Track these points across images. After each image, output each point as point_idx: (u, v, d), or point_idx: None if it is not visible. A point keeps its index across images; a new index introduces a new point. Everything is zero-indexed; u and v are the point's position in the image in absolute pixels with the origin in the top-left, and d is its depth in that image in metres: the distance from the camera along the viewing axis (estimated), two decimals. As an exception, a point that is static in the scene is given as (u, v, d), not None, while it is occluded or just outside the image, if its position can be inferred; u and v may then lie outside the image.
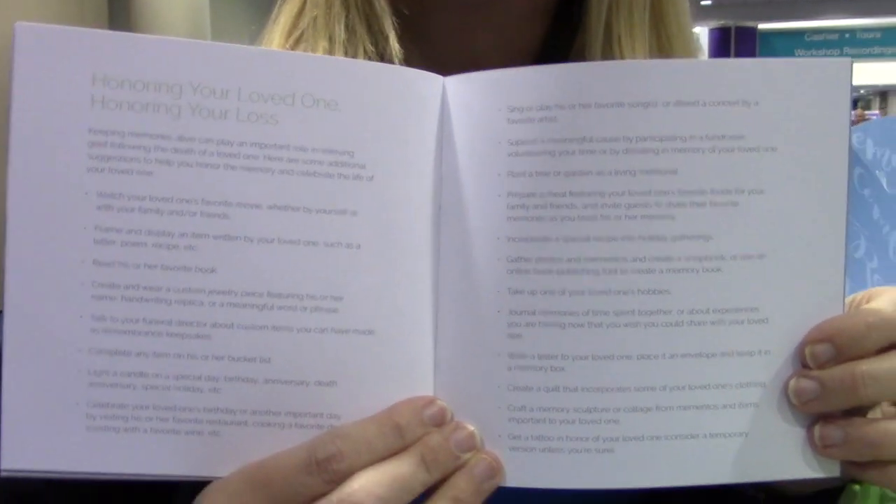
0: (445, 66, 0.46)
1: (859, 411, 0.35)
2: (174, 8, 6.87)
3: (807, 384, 0.35)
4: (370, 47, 0.47)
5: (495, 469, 0.34)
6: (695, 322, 0.34)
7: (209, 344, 0.34)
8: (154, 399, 0.34)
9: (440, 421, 0.34)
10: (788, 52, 16.52)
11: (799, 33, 16.42)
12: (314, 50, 0.47)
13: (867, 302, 0.37)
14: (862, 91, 30.81)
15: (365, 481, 0.32)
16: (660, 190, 0.34)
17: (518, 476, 0.34)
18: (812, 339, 0.35)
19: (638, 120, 0.33)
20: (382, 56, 0.47)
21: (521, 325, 0.34)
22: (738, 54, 15.79)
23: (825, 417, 0.35)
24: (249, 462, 0.34)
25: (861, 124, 0.61)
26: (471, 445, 0.34)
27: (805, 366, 0.35)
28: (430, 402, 0.35)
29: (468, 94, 0.35)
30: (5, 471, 0.33)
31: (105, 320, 0.33)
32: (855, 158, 0.51)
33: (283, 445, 0.34)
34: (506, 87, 0.34)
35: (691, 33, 0.53)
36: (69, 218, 0.33)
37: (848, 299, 0.38)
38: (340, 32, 0.47)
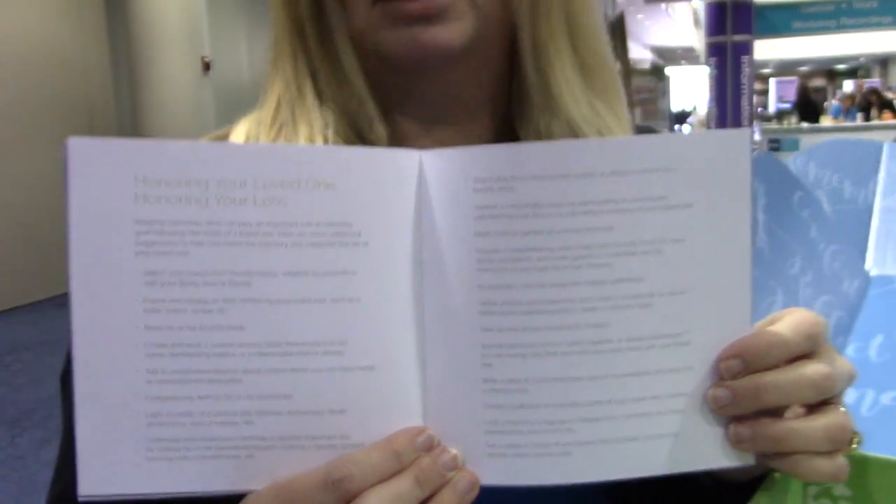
0: (420, 120, 0.53)
1: (773, 412, 0.42)
2: (171, 12, 6.89)
3: (722, 392, 0.43)
4: (349, 131, 0.54)
5: (473, 483, 0.42)
6: (631, 348, 0.42)
7: (241, 386, 0.42)
8: (199, 433, 0.42)
9: (429, 446, 0.42)
10: (785, 26, 16.46)
11: (795, 6, 16.36)
12: (296, 136, 0.54)
13: (772, 324, 0.44)
14: (862, 59, 30.64)
15: (371, 498, 0.40)
16: (600, 243, 0.41)
17: (496, 476, 0.43)
18: (725, 357, 0.43)
19: (580, 188, 0.41)
20: (360, 131, 0.54)
21: (492, 356, 0.42)
22: (735, 28, 15.74)
23: (738, 418, 0.43)
24: (278, 479, 0.42)
25: (806, 149, 0.67)
26: (454, 465, 0.42)
27: (721, 378, 0.43)
28: (421, 431, 0.43)
29: (441, 166, 0.43)
30: (83, 496, 0.41)
31: (157, 373, 0.41)
32: (795, 181, 0.58)
33: (304, 464, 0.42)
34: (472, 161, 0.42)
35: (606, 49, 0.59)
36: (123, 293, 0.41)
37: (767, 318, 0.45)
38: (318, 118, 0.54)
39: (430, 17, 0.51)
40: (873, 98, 12.72)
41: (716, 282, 0.42)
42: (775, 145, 11.15)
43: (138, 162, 0.41)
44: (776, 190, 0.54)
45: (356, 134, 0.55)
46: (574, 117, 0.55)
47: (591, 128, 0.55)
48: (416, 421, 0.43)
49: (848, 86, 23.80)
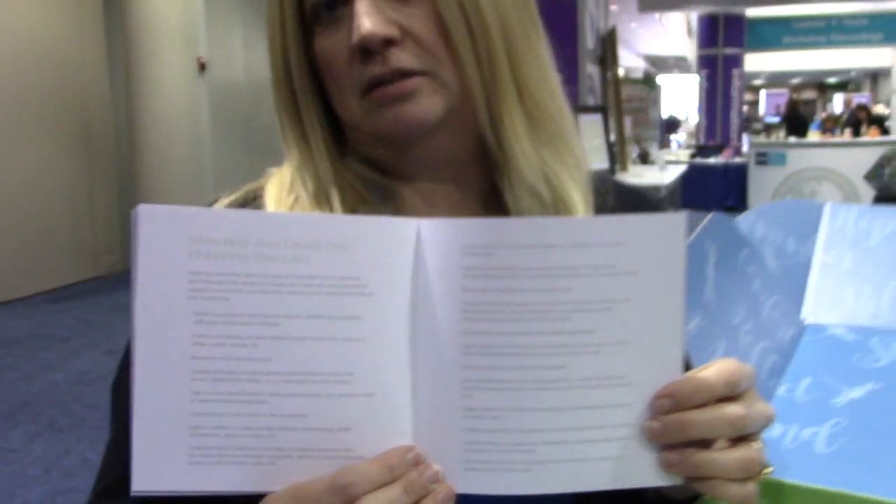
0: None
1: (701, 443, 0.51)
2: (168, 13, 6.94)
3: (655, 425, 0.52)
4: (355, 198, 0.66)
5: (450, 495, 0.52)
6: (584, 386, 0.52)
7: (267, 406, 0.51)
8: (232, 443, 0.51)
9: (417, 462, 0.52)
10: (776, 40, 16.63)
11: (785, 21, 16.51)
12: (309, 203, 0.65)
13: (703, 370, 0.53)
14: (852, 73, 30.82)
15: (369, 501, 0.50)
16: (561, 301, 0.51)
17: (472, 486, 0.52)
18: (659, 396, 0.52)
19: (547, 256, 0.50)
20: (367, 198, 0.65)
21: (472, 389, 0.52)
22: (727, 41, 15.88)
23: (669, 446, 0.53)
24: (293, 483, 0.51)
25: (755, 208, 0.76)
26: (436, 479, 0.52)
27: (655, 413, 0.52)
28: (411, 449, 0.52)
29: (436, 233, 0.52)
30: (135, 492, 0.51)
31: (200, 394, 0.51)
32: (743, 239, 0.66)
33: (315, 472, 0.52)
34: (461, 231, 0.52)
35: (555, 102, 0.69)
36: (176, 329, 0.51)
37: (704, 365, 0.54)
38: (335, 203, 0.65)
39: (404, 98, 0.62)
40: (862, 114, 12.84)
41: (653, 334, 0.52)
42: (763, 158, 11.28)
43: (193, 225, 0.50)
44: (726, 248, 0.62)
45: (363, 201, 0.65)
46: (521, 168, 0.65)
47: (538, 176, 0.65)
48: (406, 440, 0.53)
49: (838, 99, 23.93)
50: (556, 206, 0.65)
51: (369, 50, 0.61)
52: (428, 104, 0.63)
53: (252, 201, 0.69)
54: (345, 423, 0.52)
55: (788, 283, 0.71)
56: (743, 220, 0.74)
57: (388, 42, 0.61)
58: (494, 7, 0.64)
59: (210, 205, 0.70)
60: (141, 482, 0.51)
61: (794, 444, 0.57)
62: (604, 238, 0.51)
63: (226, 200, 0.70)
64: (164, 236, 0.50)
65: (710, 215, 0.62)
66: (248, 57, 9.15)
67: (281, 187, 0.67)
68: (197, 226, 0.50)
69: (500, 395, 0.51)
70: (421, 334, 0.52)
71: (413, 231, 0.52)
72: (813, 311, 0.69)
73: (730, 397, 0.52)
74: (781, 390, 0.62)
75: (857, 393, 0.60)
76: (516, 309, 0.51)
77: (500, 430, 0.52)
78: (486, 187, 0.69)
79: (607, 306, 0.51)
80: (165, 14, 6.89)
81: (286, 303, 0.51)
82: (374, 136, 0.66)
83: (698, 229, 0.60)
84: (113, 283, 7.22)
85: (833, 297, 0.69)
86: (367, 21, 0.60)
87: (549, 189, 0.65)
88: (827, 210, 0.75)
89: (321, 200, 0.65)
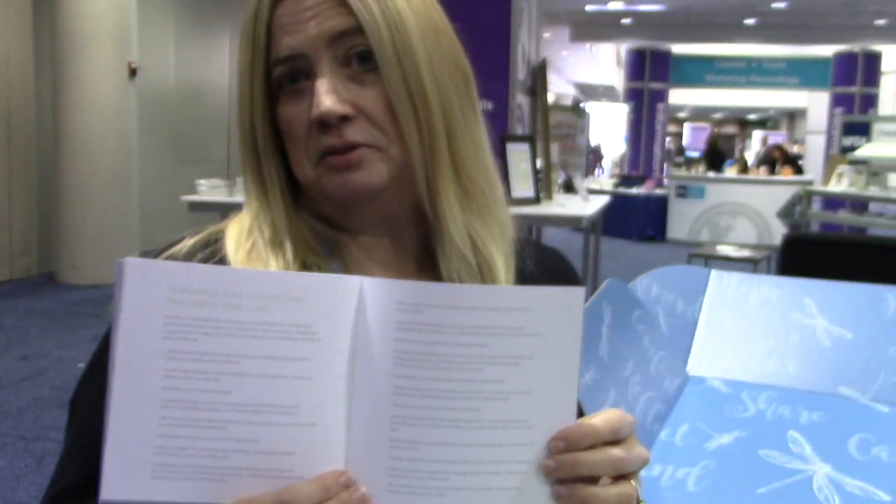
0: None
1: (590, 480, 0.60)
2: (100, 15, 6.85)
3: (550, 463, 0.62)
4: (306, 248, 0.74)
5: None
6: (493, 427, 0.61)
7: (224, 432, 0.59)
8: (191, 462, 0.59)
9: (348, 485, 0.60)
10: (699, 77, 17.20)
11: (709, 60, 17.12)
12: (269, 263, 0.73)
13: (593, 418, 0.62)
14: (771, 112, 31.99)
15: None
16: (476, 354, 0.60)
17: None
18: (554, 439, 0.62)
19: (466, 316, 0.59)
20: (316, 251, 0.74)
21: (398, 423, 0.61)
22: (653, 75, 16.39)
23: (561, 481, 0.62)
24: (242, 497, 0.59)
25: (649, 272, 0.86)
26: (364, 500, 0.60)
27: (551, 453, 0.61)
28: (343, 473, 0.61)
29: (375, 289, 0.61)
30: (104, 500, 0.58)
31: (167, 419, 0.58)
32: (636, 301, 0.76)
33: (262, 489, 0.60)
34: (397, 290, 0.61)
35: (486, 177, 0.78)
36: (151, 363, 0.58)
37: (595, 413, 0.63)
38: (287, 252, 0.73)
39: (353, 166, 0.71)
40: (777, 154, 13.37)
41: (553, 386, 0.62)
42: (682, 192, 11.66)
43: (172, 277, 0.58)
44: (619, 309, 0.72)
45: (314, 254, 0.74)
46: (451, 233, 0.74)
47: (466, 242, 0.74)
48: (340, 465, 0.61)
49: (757, 136, 24.75)
50: (482, 268, 0.74)
51: (326, 124, 0.70)
52: (373, 172, 0.72)
53: (214, 243, 0.76)
54: (289, 449, 0.60)
55: (677, 339, 0.80)
56: (639, 282, 0.84)
57: (343, 118, 0.70)
58: (438, 92, 0.73)
59: (173, 244, 0.77)
60: (109, 492, 0.58)
61: (669, 482, 0.66)
62: (515, 304, 0.60)
63: (190, 241, 0.77)
64: (146, 285, 0.58)
65: (607, 281, 0.71)
66: (178, 63, 9.06)
67: (240, 232, 0.75)
68: (175, 277, 0.58)
69: (422, 431, 0.60)
70: (358, 375, 0.61)
71: (356, 287, 0.61)
72: (696, 364, 0.79)
73: (614, 441, 0.62)
74: (663, 434, 0.71)
75: (725, 439, 0.69)
76: (440, 359, 0.60)
77: (420, 460, 0.60)
78: (422, 245, 0.78)
79: (516, 361, 0.61)
80: (97, 15, 6.80)
81: (247, 345, 0.59)
82: (325, 196, 0.74)
83: (596, 293, 0.69)
84: (26, 286, 7.04)
85: (713, 352, 0.80)
86: (326, 100, 0.69)
87: (475, 254, 0.74)
88: (712, 276, 0.85)
89: (275, 247, 0.73)
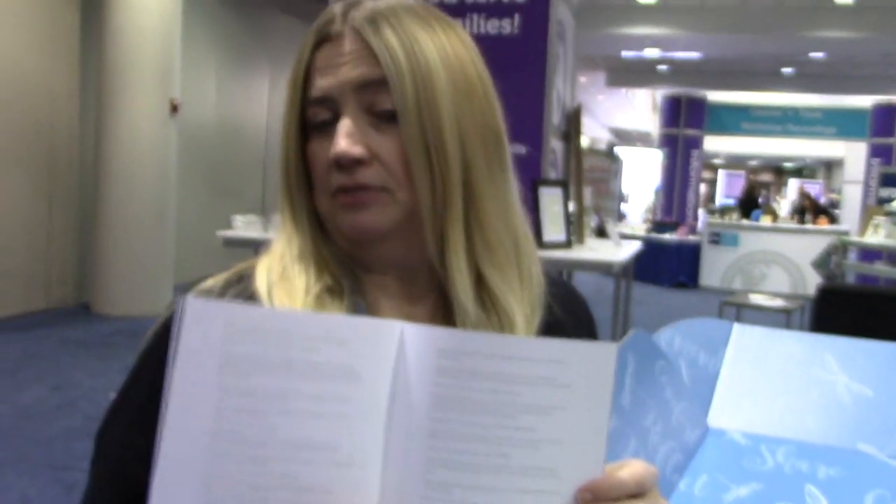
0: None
1: None
2: (144, 52, 7.02)
3: None
4: (334, 283, 0.77)
5: None
6: (523, 473, 0.62)
7: (268, 468, 0.61)
8: (235, 495, 0.60)
9: None
10: (735, 125, 17.17)
11: (745, 108, 17.10)
12: (294, 282, 0.76)
13: (620, 469, 0.63)
14: (808, 161, 31.77)
15: None
16: (510, 402, 0.62)
17: None
18: (581, 490, 0.63)
19: (503, 365, 0.62)
20: (338, 285, 0.77)
21: (434, 465, 0.62)
22: (688, 122, 16.39)
23: None
24: None
25: (673, 324, 0.87)
26: None
27: (578, 503, 0.61)
28: None
29: (417, 335, 0.63)
30: None
31: (215, 453, 0.60)
32: (659, 352, 0.77)
33: None
34: (438, 337, 0.63)
35: (516, 227, 0.81)
36: (204, 397, 0.61)
37: (619, 462, 0.64)
38: (312, 276, 0.77)
39: (359, 207, 0.75)
40: (807, 203, 13.27)
41: (582, 437, 0.63)
42: (716, 238, 11.60)
43: (230, 317, 0.61)
44: (643, 359, 0.73)
45: (336, 282, 0.77)
46: (456, 284, 0.76)
47: (469, 294, 0.76)
48: (375, 501, 0.63)
49: (793, 184, 24.58)
50: (500, 318, 0.76)
51: (342, 164, 0.73)
52: (380, 215, 0.75)
53: (244, 279, 0.79)
54: (327, 487, 0.62)
55: (698, 391, 0.81)
56: (663, 334, 0.85)
57: (358, 161, 0.73)
58: (460, 149, 0.76)
59: (202, 279, 0.80)
60: None
61: (687, 533, 0.67)
62: (550, 356, 0.62)
63: (222, 278, 0.80)
64: (205, 323, 0.61)
65: (632, 331, 0.72)
66: (219, 101, 9.24)
67: (269, 269, 0.78)
68: (233, 317, 0.62)
69: (456, 474, 0.62)
70: (396, 417, 0.63)
71: (398, 332, 0.64)
72: (716, 416, 0.80)
73: (638, 494, 0.63)
74: (682, 484, 0.72)
75: (743, 491, 0.70)
76: (476, 404, 0.62)
77: (452, 502, 0.62)
78: (437, 290, 0.80)
79: (547, 411, 0.62)
80: (141, 53, 6.97)
81: (295, 383, 0.62)
82: (338, 232, 0.78)
83: (621, 342, 0.70)
84: (62, 315, 7.15)
85: (734, 405, 0.80)
86: (343, 142, 0.73)
87: (493, 305, 0.77)
88: (735, 329, 0.86)
89: (301, 267, 0.77)
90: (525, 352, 0.62)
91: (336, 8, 0.78)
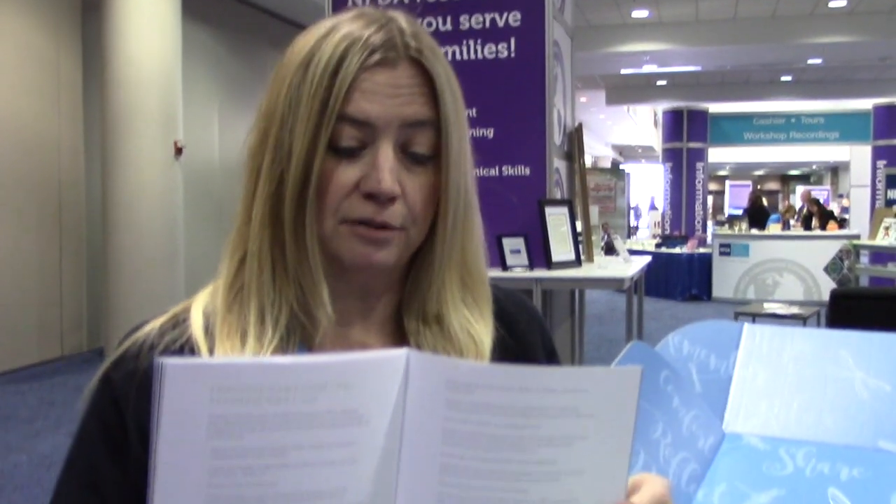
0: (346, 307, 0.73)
1: None
2: (147, 97, 7.06)
3: None
4: (295, 304, 0.73)
5: None
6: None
7: None
8: None
9: None
10: (738, 135, 17.14)
11: (747, 118, 17.07)
12: (248, 306, 0.73)
13: (636, 489, 0.60)
14: (815, 167, 31.70)
15: None
16: (529, 436, 0.58)
17: None
18: None
19: (520, 397, 0.58)
20: (306, 306, 0.73)
21: (444, 500, 0.59)
22: (690, 135, 16.37)
23: None
24: None
25: (680, 329, 0.85)
26: None
27: None
28: None
29: (423, 365, 0.59)
30: None
31: (217, 499, 0.57)
32: (662, 362, 0.74)
33: None
34: (447, 368, 0.59)
35: (483, 269, 0.81)
36: (195, 462, 0.57)
37: (633, 476, 0.62)
38: (270, 293, 0.73)
39: (378, 244, 0.72)
40: (814, 209, 13.21)
41: (604, 465, 0.60)
42: (726, 250, 11.54)
43: (215, 376, 0.57)
44: (646, 372, 0.71)
45: (301, 308, 0.73)
46: (451, 321, 0.76)
47: (462, 329, 0.76)
48: None
49: (800, 191, 24.55)
50: (468, 345, 0.76)
51: (378, 199, 0.71)
52: (394, 252, 0.73)
53: (181, 323, 0.75)
54: None
55: (711, 397, 0.79)
56: (670, 340, 0.83)
57: (392, 199, 0.71)
58: (468, 191, 0.76)
59: (137, 328, 0.77)
60: None
61: (707, 544, 0.65)
62: (571, 386, 0.59)
63: (157, 323, 0.76)
64: (187, 387, 0.56)
65: (630, 345, 0.70)
66: (222, 141, 9.29)
67: (207, 311, 0.76)
68: (218, 377, 0.57)
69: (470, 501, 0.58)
70: (405, 453, 0.60)
71: (403, 362, 0.59)
72: (731, 421, 0.78)
73: None
74: (700, 495, 0.70)
75: (764, 498, 0.68)
76: (490, 439, 0.58)
77: None
78: (391, 313, 0.80)
79: (569, 442, 0.59)
80: (144, 97, 7.01)
81: (293, 436, 0.58)
82: (333, 256, 0.74)
83: (618, 358, 0.68)
84: (77, 363, 7.15)
85: (749, 408, 0.78)
86: (388, 177, 0.70)
87: (468, 337, 0.77)
88: (745, 330, 0.84)
89: (258, 321, 0.73)
90: (543, 383, 0.59)
91: (387, 27, 0.73)
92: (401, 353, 0.60)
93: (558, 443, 0.59)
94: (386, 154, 0.71)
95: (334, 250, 0.74)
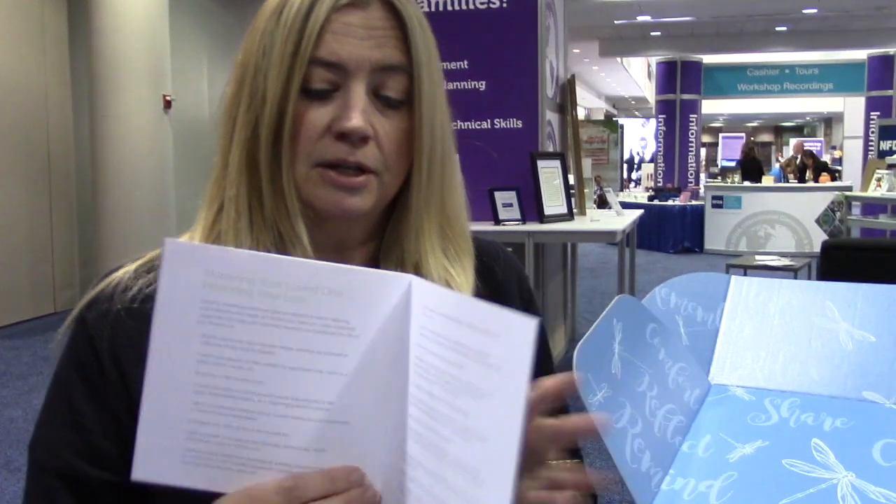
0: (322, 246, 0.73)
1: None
2: (135, 50, 6.97)
3: None
4: (273, 251, 0.71)
5: None
6: (457, 467, 0.53)
7: (256, 423, 0.58)
8: (222, 450, 0.58)
9: (361, 483, 0.59)
10: (732, 87, 17.05)
11: (741, 69, 16.96)
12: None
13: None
14: (808, 118, 31.59)
15: None
16: (458, 376, 0.54)
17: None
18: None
19: (463, 334, 0.54)
20: (283, 253, 0.71)
21: (410, 437, 0.56)
22: (684, 87, 16.27)
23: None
24: (249, 483, 0.58)
25: (668, 281, 0.84)
26: (375, 500, 0.59)
27: None
28: (355, 470, 0.59)
29: (423, 290, 0.58)
30: (135, 479, 0.58)
31: (199, 405, 0.58)
32: (649, 315, 0.73)
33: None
34: (430, 296, 0.57)
35: (465, 222, 0.80)
36: (186, 346, 0.57)
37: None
38: (247, 239, 0.72)
39: (352, 190, 0.71)
40: (808, 161, 13.19)
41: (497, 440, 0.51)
42: (718, 202, 11.54)
43: (210, 260, 0.58)
44: (632, 325, 0.70)
45: (277, 248, 0.72)
46: (430, 270, 0.76)
47: (440, 280, 0.75)
48: (372, 466, 0.59)
49: (793, 143, 24.50)
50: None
51: (351, 139, 0.70)
52: (367, 199, 0.73)
53: (152, 270, 0.73)
54: (321, 445, 0.59)
55: (698, 349, 0.79)
56: (657, 292, 0.82)
57: (364, 139, 0.70)
58: (444, 139, 0.76)
59: (113, 271, 0.75)
60: (140, 472, 0.58)
61: (691, 496, 0.65)
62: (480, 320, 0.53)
63: (132, 267, 0.75)
64: (183, 267, 0.58)
65: (616, 298, 0.70)
66: (212, 94, 9.19)
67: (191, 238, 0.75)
68: (214, 262, 0.58)
69: (420, 449, 0.56)
70: (394, 379, 0.59)
71: (405, 286, 0.59)
72: (718, 372, 0.78)
73: None
74: (685, 447, 0.70)
75: (748, 449, 0.68)
76: (439, 375, 0.55)
77: (420, 483, 0.56)
78: (369, 259, 0.79)
79: (479, 395, 0.52)
80: (131, 50, 6.91)
81: (282, 336, 0.58)
82: (306, 202, 0.73)
83: (605, 312, 0.68)
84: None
85: (735, 360, 0.78)
86: (359, 116, 0.69)
87: (446, 287, 0.74)
88: (733, 282, 0.84)
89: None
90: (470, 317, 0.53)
91: None
92: (405, 276, 0.60)
93: (472, 393, 0.53)
94: (358, 94, 0.70)
95: (307, 196, 0.73)
